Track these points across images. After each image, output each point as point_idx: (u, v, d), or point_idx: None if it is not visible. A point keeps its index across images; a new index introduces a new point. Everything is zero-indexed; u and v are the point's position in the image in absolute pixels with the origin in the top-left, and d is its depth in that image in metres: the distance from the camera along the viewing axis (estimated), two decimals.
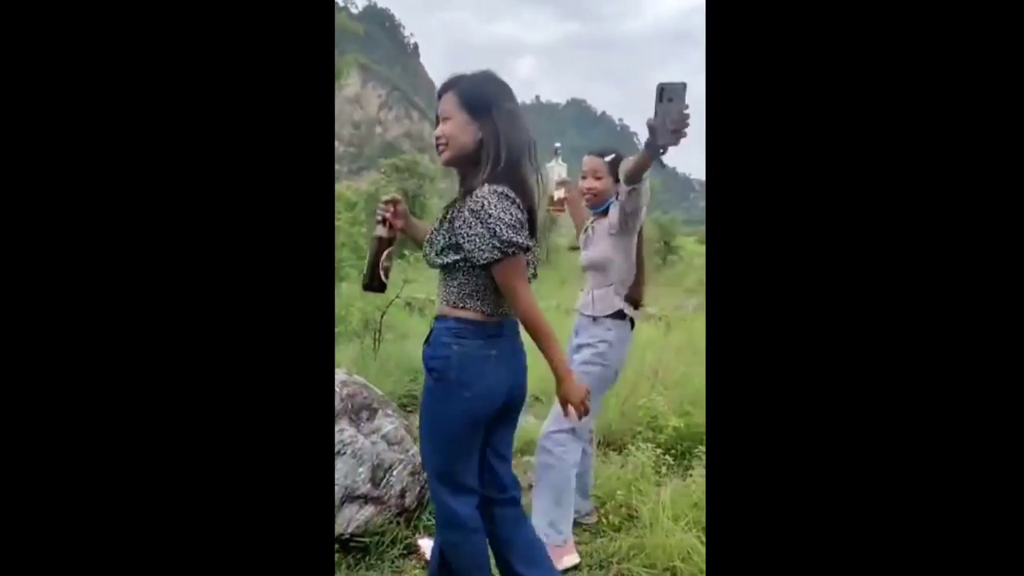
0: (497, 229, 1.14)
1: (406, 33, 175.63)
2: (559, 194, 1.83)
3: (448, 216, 1.24)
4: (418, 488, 1.89)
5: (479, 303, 1.23)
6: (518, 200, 1.19)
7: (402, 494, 1.83)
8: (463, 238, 1.18)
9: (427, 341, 1.29)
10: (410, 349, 4.47)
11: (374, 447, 1.86)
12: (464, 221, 1.17)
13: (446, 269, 1.26)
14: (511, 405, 1.30)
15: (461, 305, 1.24)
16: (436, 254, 1.25)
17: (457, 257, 1.21)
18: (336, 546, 1.62)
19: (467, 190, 1.20)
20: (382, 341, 4.40)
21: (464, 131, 1.23)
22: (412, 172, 24.45)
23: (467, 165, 1.25)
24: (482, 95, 1.23)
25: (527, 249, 1.19)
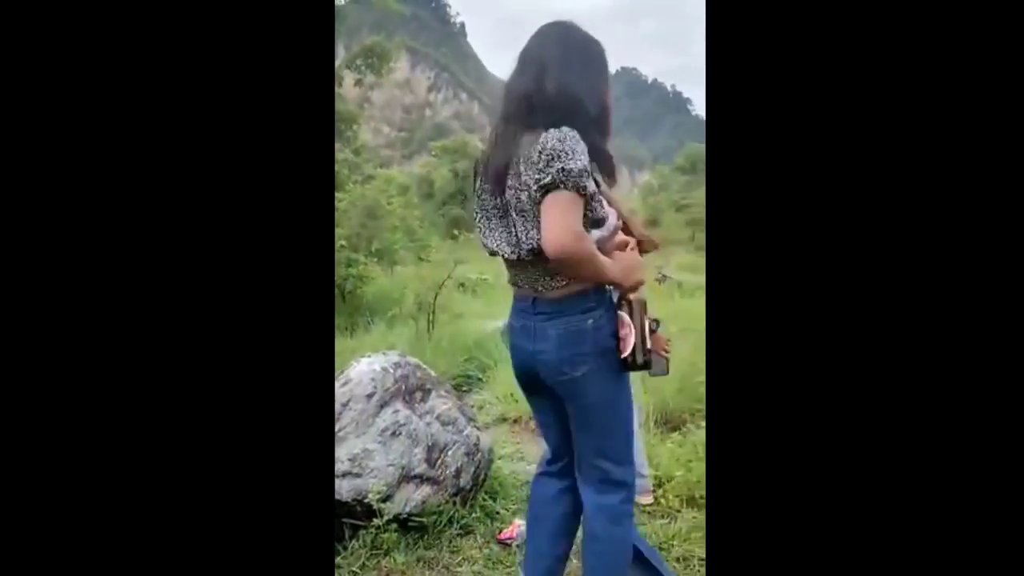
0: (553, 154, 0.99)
1: (452, 12, 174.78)
2: None
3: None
4: (473, 468, 1.90)
5: None
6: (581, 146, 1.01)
7: (457, 474, 1.85)
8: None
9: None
10: (464, 329, 4.52)
11: (428, 428, 1.88)
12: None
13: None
14: (538, 390, 1.21)
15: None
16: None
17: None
18: (395, 525, 1.66)
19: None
20: (436, 322, 4.46)
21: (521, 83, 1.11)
22: (462, 153, 24.60)
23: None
24: (536, 47, 1.12)
25: (581, 188, 1.00)
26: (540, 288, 1.12)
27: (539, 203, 1.02)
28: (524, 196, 1.05)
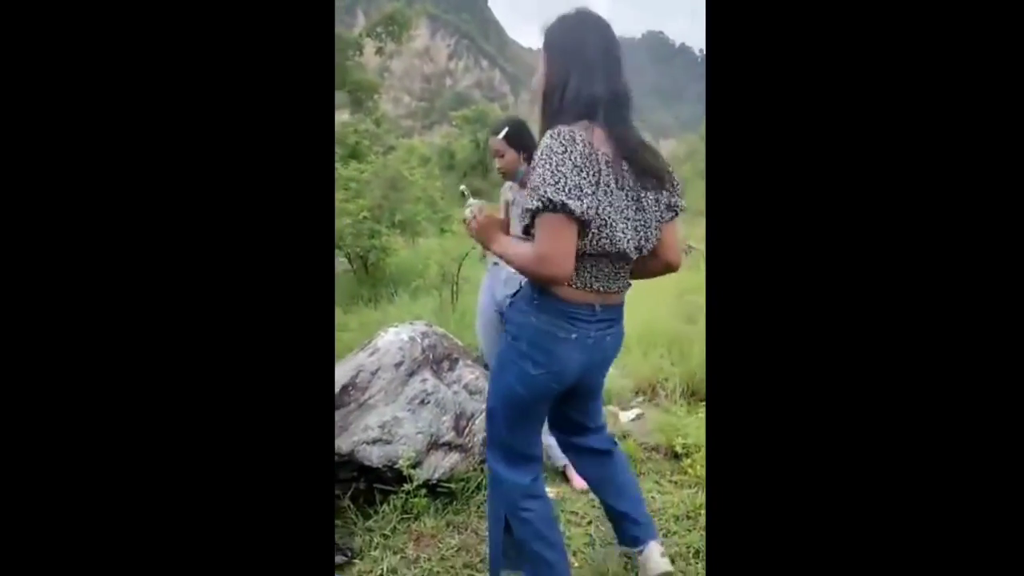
0: (545, 176, 0.97)
1: None
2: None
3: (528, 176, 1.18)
4: None
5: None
6: (582, 149, 0.99)
7: (484, 442, 1.87)
8: (532, 193, 1.00)
9: (515, 293, 1.19)
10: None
11: (456, 396, 1.89)
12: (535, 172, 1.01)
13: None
14: (585, 387, 1.22)
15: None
16: (520, 217, 1.13)
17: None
18: (424, 490, 1.69)
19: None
20: (460, 293, 4.47)
21: (539, 75, 1.13)
22: (483, 122, 24.30)
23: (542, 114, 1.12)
24: (560, 36, 1.10)
25: (570, 211, 0.97)
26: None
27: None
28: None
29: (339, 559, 1.50)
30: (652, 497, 1.81)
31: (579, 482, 1.93)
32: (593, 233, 1.03)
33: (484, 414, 1.90)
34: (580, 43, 1.08)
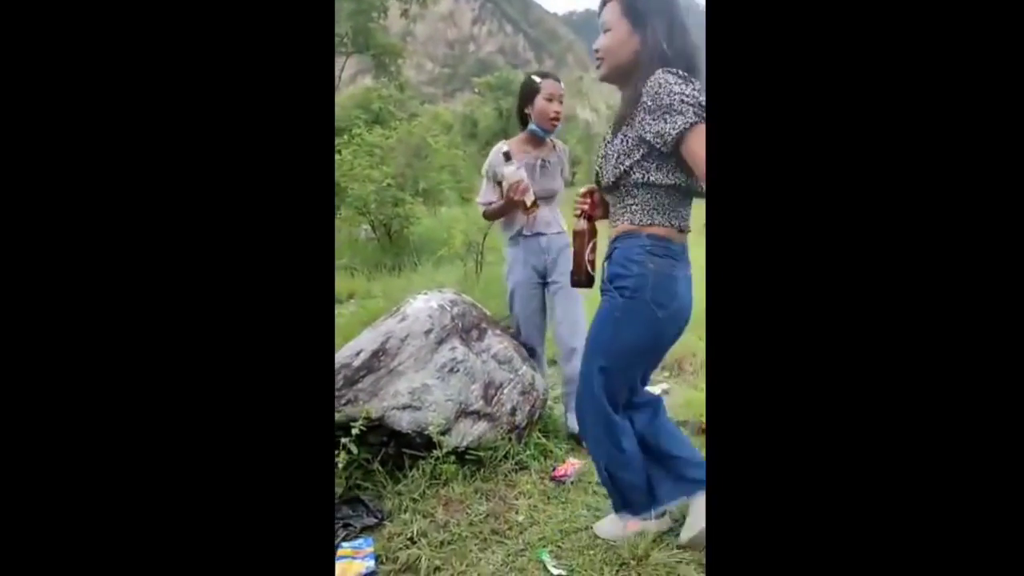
0: (682, 97, 1.08)
1: None
2: (530, 197, 1.81)
3: (617, 129, 1.20)
4: (528, 407, 1.92)
5: (668, 218, 1.21)
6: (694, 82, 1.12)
7: (513, 412, 1.87)
8: (645, 131, 1.13)
9: (608, 258, 1.26)
10: None
11: (485, 366, 1.89)
12: (643, 116, 1.13)
13: (626, 186, 1.21)
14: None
15: (649, 222, 1.21)
16: (614, 167, 1.20)
17: (638, 161, 1.17)
18: (453, 457, 1.70)
19: (634, 96, 1.15)
20: (485, 263, 4.45)
21: (623, 44, 1.18)
22: (507, 90, 23.88)
23: (625, 81, 1.20)
24: (645, 3, 1.17)
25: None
26: None
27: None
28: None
29: (370, 520, 1.52)
30: None
31: None
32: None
33: (512, 384, 1.90)
34: (665, 5, 1.18)
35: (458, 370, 1.82)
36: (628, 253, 1.21)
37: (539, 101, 1.90)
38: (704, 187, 1.15)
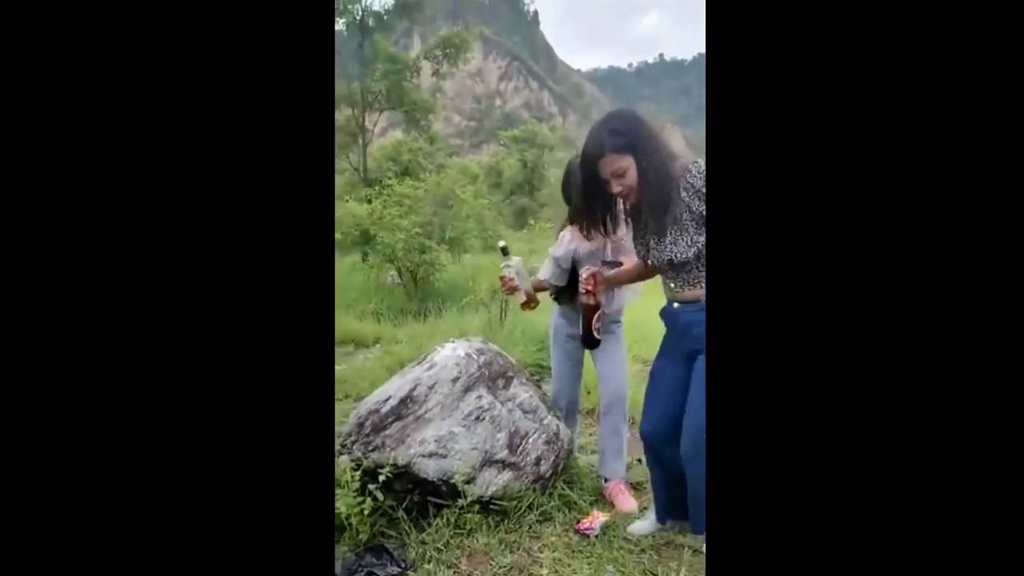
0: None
1: (526, 0, 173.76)
2: (520, 297, 1.92)
3: (649, 219, 1.42)
4: (553, 457, 1.92)
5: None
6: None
7: (537, 462, 1.87)
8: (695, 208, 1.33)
9: (695, 323, 1.43)
10: (536, 318, 4.54)
11: (511, 415, 1.91)
12: (689, 198, 1.33)
13: (699, 258, 1.39)
14: None
15: (701, 283, 1.42)
16: (688, 246, 1.37)
17: (700, 239, 1.34)
18: (477, 507, 1.70)
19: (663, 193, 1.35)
20: (509, 310, 4.50)
21: (636, 173, 1.37)
22: (531, 142, 24.58)
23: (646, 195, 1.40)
24: (638, 131, 1.38)
25: None
26: None
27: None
28: None
29: (393, 570, 1.52)
30: None
31: (625, 504, 1.91)
32: None
33: (537, 434, 1.91)
34: (648, 129, 1.40)
35: (484, 418, 1.84)
36: (700, 316, 1.40)
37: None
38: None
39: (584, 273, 1.63)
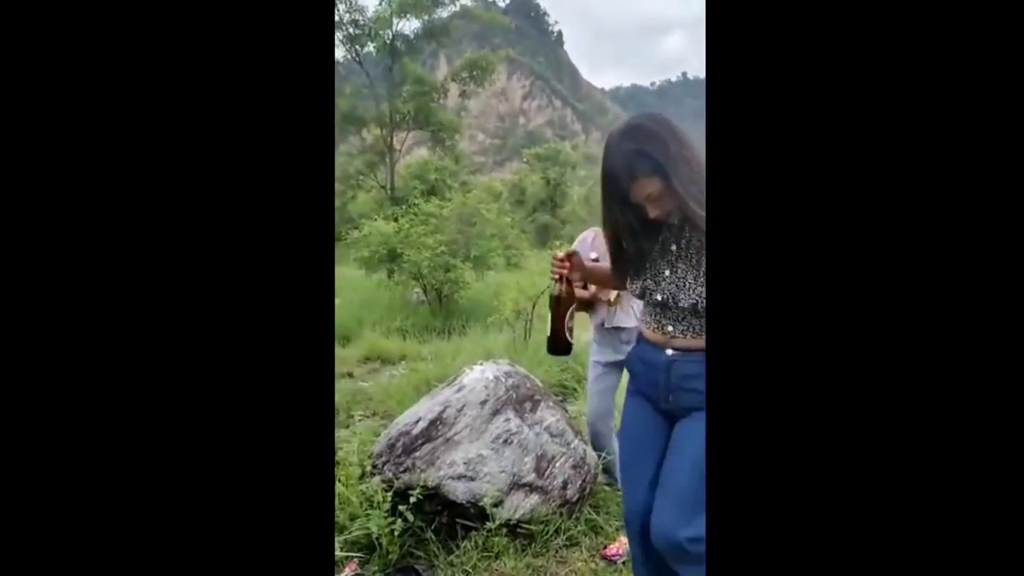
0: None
1: (550, 21, 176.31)
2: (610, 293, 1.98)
3: (677, 256, 1.16)
4: (579, 481, 1.93)
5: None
6: None
7: (564, 486, 1.88)
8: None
9: (695, 375, 1.14)
10: None
11: (538, 438, 1.93)
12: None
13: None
14: None
15: (703, 333, 1.15)
16: (702, 295, 1.12)
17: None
18: (504, 530, 1.72)
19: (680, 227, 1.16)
20: (533, 330, 4.53)
21: (664, 191, 1.10)
22: (554, 160, 24.74)
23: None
24: (673, 140, 1.09)
25: None
26: None
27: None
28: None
29: None
30: None
31: None
32: None
33: (565, 458, 1.93)
34: (681, 136, 1.10)
35: (512, 441, 1.87)
36: (699, 367, 1.13)
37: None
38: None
39: (559, 253, 1.25)
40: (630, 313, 2.11)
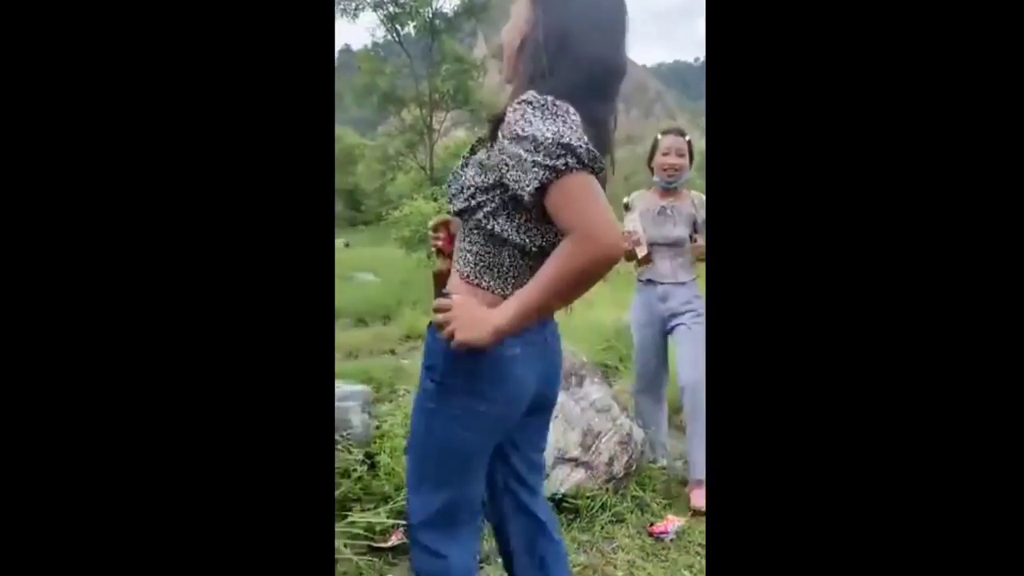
0: (535, 138, 0.75)
1: None
2: (642, 250, 1.89)
3: (480, 147, 0.90)
4: (626, 457, 1.89)
5: (500, 281, 0.87)
6: (572, 115, 0.78)
7: (610, 462, 1.85)
8: (505, 167, 0.79)
9: (430, 326, 0.90)
10: (601, 318, 4.50)
11: (584, 414, 1.89)
12: (504, 145, 0.79)
13: (468, 223, 0.89)
14: (537, 409, 0.98)
15: (476, 281, 0.87)
16: (465, 198, 0.87)
17: (489, 199, 0.85)
18: (550, 504, 1.70)
19: (501, 115, 0.82)
20: (572, 309, 4.47)
21: (520, 24, 0.87)
22: None
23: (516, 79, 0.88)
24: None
25: (593, 165, 0.76)
26: None
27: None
28: None
29: None
30: None
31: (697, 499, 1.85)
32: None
33: (610, 434, 1.89)
34: None
35: (557, 416, 1.84)
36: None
37: (658, 155, 2.03)
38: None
39: (432, 221, 1.06)
40: (679, 267, 2.05)
